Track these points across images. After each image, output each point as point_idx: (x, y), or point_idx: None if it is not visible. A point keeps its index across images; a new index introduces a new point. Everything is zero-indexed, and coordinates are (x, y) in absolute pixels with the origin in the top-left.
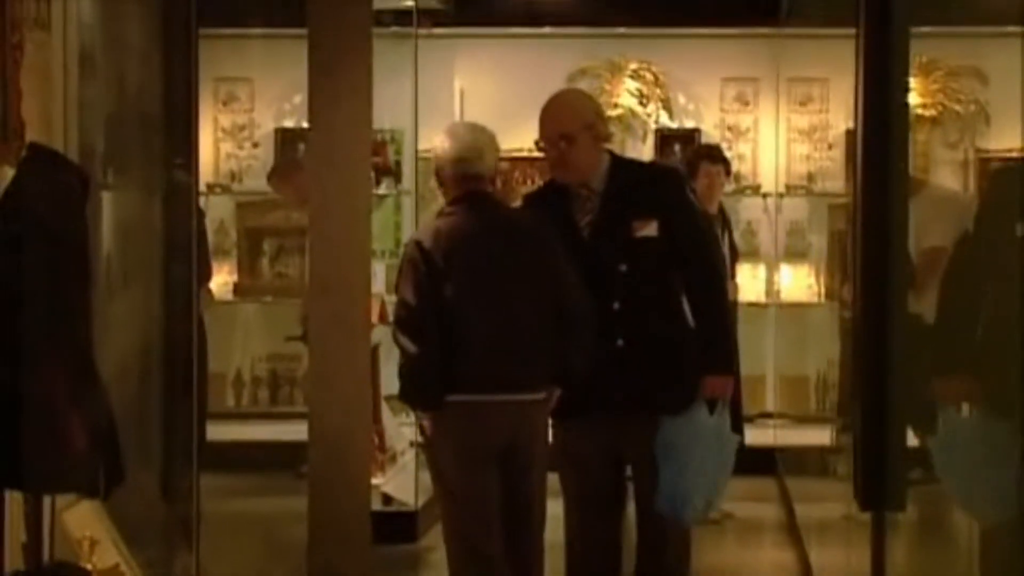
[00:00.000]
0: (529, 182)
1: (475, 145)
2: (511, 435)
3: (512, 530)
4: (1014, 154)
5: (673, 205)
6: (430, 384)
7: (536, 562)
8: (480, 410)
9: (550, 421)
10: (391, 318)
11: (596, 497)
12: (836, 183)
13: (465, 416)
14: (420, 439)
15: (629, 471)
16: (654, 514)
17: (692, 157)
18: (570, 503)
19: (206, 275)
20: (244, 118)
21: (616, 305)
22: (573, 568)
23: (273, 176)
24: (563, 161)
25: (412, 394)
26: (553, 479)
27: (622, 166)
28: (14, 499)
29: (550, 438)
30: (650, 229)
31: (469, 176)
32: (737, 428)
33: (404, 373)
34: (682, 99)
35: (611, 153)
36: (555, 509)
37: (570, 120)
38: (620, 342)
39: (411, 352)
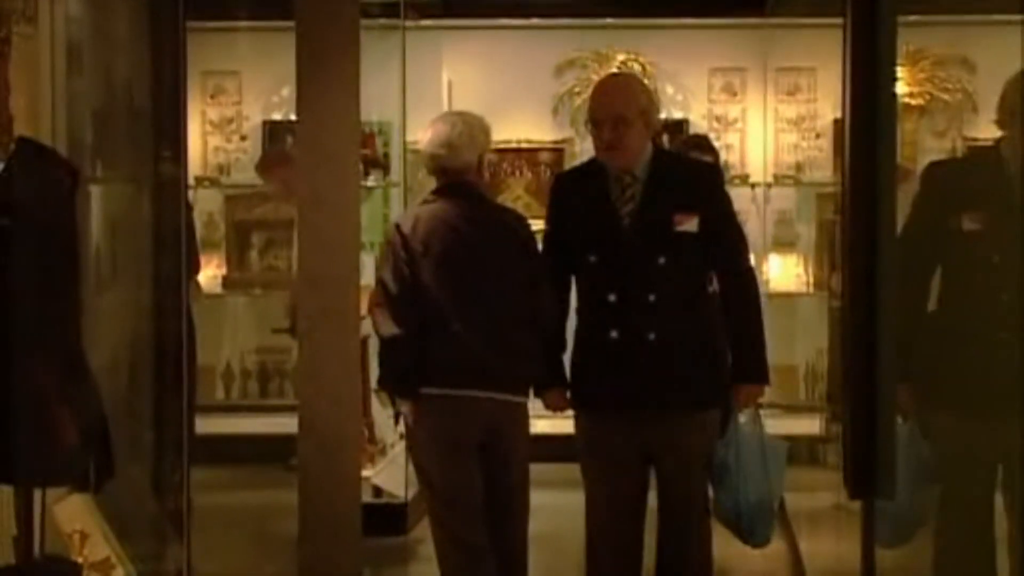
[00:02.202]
0: (517, 173)
1: (449, 137)
2: (490, 428)
3: (495, 521)
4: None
5: (714, 203)
6: (406, 369)
7: (520, 553)
8: (457, 404)
9: (572, 412)
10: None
11: (622, 496)
12: (824, 172)
13: (442, 409)
14: (402, 430)
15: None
16: (677, 511)
17: (680, 147)
18: (593, 499)
19: (195, 268)
20: (232, 111)
21: (652, 298)
22: (593, 564)
23: (261, 166)
24: (616, 144)
25: (388, 378)
26: (548, 469)
27: (664, 157)
28: (4, 493)
29: (576, 430)
30: (691, 224)
31: (447, 169)
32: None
33: (381, 356)
34: (670, 89)
35: (654, 143)
36: (544, 499)
37: (627, 103)
38: (652, 336)
39: (387, 334)
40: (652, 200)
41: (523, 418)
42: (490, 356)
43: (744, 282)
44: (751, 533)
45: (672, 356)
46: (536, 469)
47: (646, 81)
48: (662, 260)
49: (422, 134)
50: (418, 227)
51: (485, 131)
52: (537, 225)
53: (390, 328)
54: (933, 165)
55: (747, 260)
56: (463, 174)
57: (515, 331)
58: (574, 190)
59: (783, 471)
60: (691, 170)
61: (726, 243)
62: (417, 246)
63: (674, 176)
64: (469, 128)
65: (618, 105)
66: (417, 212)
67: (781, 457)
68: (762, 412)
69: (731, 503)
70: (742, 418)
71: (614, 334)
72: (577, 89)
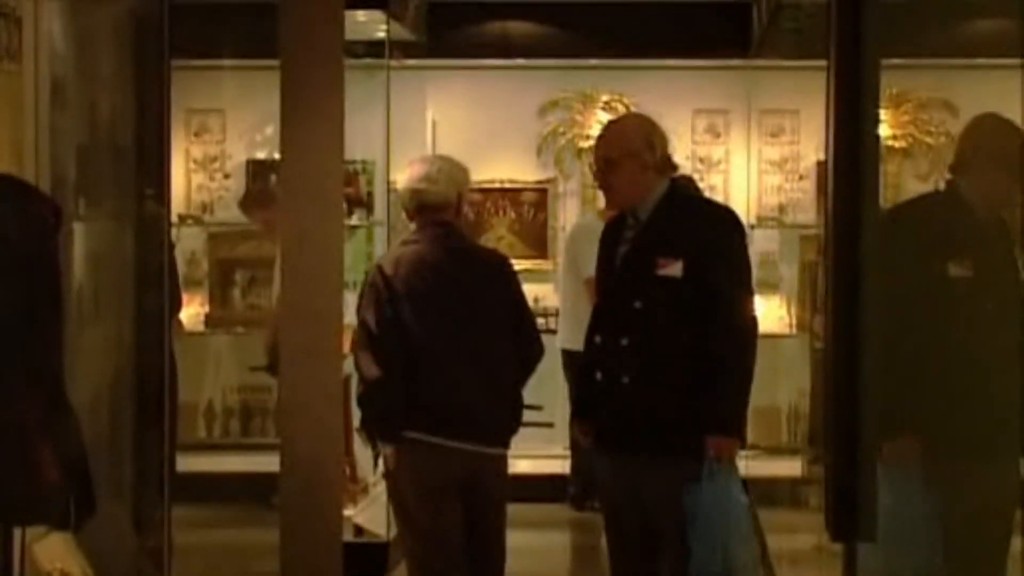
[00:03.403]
0: (501, 213)
1: (428, 173)
2: (471, 475)
3: (473, 565)
4: None
5: (710, 250)
6: (390, 412)
7: None
8: (439, 451)
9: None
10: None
11: (623, 532)
12: (807, 215)
13: (425, 454)
14: (382, 470)
15: None
16: (675, 561)
17: None
18: (607, 536)
19: (177, 306)
20: (216, 149)
21: (624, 341)
22: None
23: (244, 204)
24: (603, 185)
25: (372, 421)
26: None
27: (675, 199)
28: None
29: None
30: (674, 269)
31: (426, 204)
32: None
33: (363, 399)
34: None
35: (673, 184)
36: (524, 540)
37: (611, 146)
38: (626, 379)
39: (370, 376)
40: (641, 243)
41: (503, 465)
42: (474, 404)
43: (727, 333)
44: None
45: (643, 401)
46: (516, 509)
47: None
48: (638, 304)
49: (401, 176)
50: (400, 268)
51: (463, 171)
52: (521, 265)
53: (373, 371)
54: (901, 208)
55: (737, 312)
56: (442, 211)
57: (499, 374)
58: (609, 232)
59: (747, 535)
60: (692, 213)
61: (713, 290)
62: (400, 287)
63: (672, 219)
64: (448, 165)
65: (603, 147)
66: (399, 253)
67: (744, 518)
68: (744, 453)
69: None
70: (708, 471)
71: (598, 375)
72: (561, 129)
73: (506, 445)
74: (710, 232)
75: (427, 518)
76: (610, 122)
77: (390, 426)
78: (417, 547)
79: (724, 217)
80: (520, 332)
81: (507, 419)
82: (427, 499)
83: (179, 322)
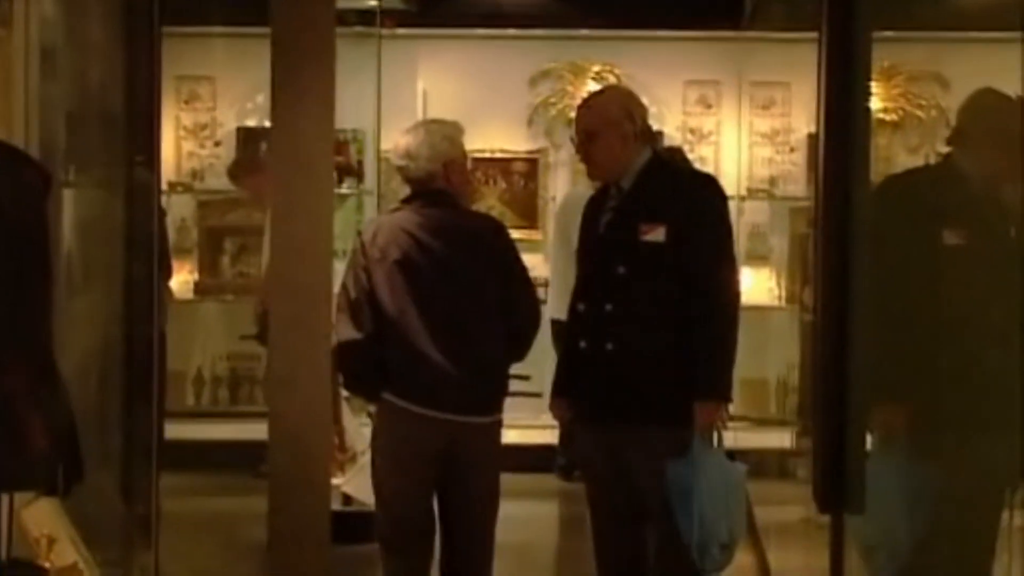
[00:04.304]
0: (491, 183)
1: (408, 148)
2: (449, 444)
3: (453, 535)
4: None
5: (692, 215)
6: (362, 373)
7: (481, 570)
8: (415, 418)
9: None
10: None
11: (608, 505)
12: (798, 187)
13: (398, 419)
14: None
15: None
16: (663, 534)
17: None
18: (590, 510)
19: (166, 274)
20: (206, 116)
21: (608, 307)
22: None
23: (233, 172)
24: (585, 158)
25: (347, 381)
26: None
27: (658, 168)
28: None
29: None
30: (657, 234)
31: (409, 179)
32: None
33: (338, 360)
34: (644, 101)
35: (654, 153)
36: (515, 510)
37: (592, 117)
38: (609, 346)
39: (344, 338)
40: (624, 210)
41: (486, 436)
42: (446, 372)
43: (712, 297)
44: (703, 560)
45: (628, 368)
46: (504, 479)
47: None
48: (621, 270)
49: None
50: (379, 235)
51: (449, 138)
52: (513, 236)
53: (348, 332)
54: (895, 179)
55: (722, 275)
56: (427, 183)
57: (481, 344)
58: (592, 203)
59: (743, 500)
60: (674, 180)
61: (696, 255)
62: (375, 253)
63: (655, 186)
64: (430, 137)
65: (583, 120)
66: (380, 220)
67: (741, 484)
68: (733, 425)
69: (689, 529)
70: (701, 440)
71: (583, 344)
72: (552, 100)
73: (485, 414)
74: (693, 198)
75: (394, 482)
76: (589, 95)
77: (363, 386)
78: (380, 510)
79: (706, 184)
80: (510, 302)
81: (486, 388)
82: (396, 463)
83: (168, 289)
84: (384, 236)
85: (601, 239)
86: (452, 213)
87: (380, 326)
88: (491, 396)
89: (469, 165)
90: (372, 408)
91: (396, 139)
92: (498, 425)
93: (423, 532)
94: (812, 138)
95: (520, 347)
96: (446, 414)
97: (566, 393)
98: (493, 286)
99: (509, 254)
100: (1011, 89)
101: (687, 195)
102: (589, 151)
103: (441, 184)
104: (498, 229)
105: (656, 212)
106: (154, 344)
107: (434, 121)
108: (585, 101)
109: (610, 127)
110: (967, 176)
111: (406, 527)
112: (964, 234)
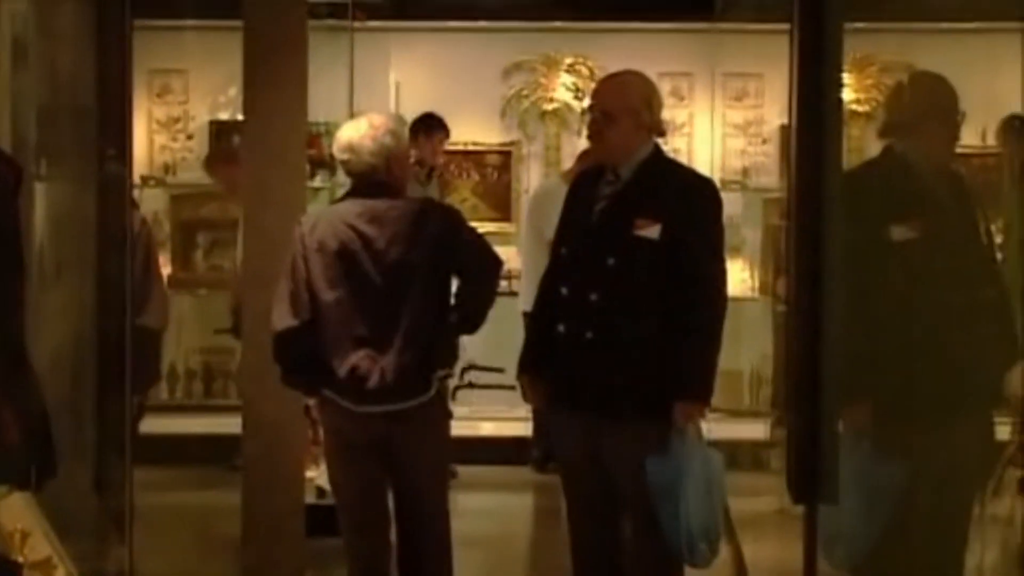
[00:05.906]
0: (464, 175)
1: (350, 141)
2: (387, 431)
3: (405, 525)
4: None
5: (689, 217)
6: (295, 365)
7: (436, 559)
8: (344, 413)
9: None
10: None
11: (583, 494)
12: (771, 178)
13: (332, 412)
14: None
15: None
16: (639, 525)
17: None
18: (566, 499)
19: (157, 275)
20: (178, 110)
21: (593, 296)
22: (576, 569)
23: (208, 162)
24: (598, 137)
25: (284, 375)
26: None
27: (658, 163)
28: None
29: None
30: (651, 231)
31: (351, 172)
32: None
33: (274, 351)
34: None
35: (657, 147)
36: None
37: (614, 98)
38: (589, 334)
39: (279, 327)
40: (621, 201)
41: (422, 416)
42: (383, 363)
43: (699, 298)
44: (692, 556)
45: (607, 359)
46: (478, 471)
47: (593, 85)
48: (611, 261)
49: None
50: (318, 226)
51: (392, 132)
52: (485, 228)
53: (285, 321)
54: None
55: (711, 280)
56: (368, 176)
57: (411, 326)
58: (580, 184)
59: (723, 490)
60: (674, 179)
61: (688, 257)
62: (311, 243)
63: (653, 181)
64: (373, 131)
65: (605, 98)
66: (320, 211)
67: (721, 474)
68: (708, 416)
69: (673, 525)
70: (680, 436)
71: (561, 328)
72: (525, 92)
73: (416, 396)
74: (691, 200)
75: (339, 476)
76: (611, 75)
77: (299, 379)
78: (337, 504)
79: (706, 187)
80: (462, 273)
81: (414, 369)
82: (337, 458)
83: (163, 291)
84: (322, 227)
85: (593, 227)
86: (393, 202)
87: (316, 316)
88: (420, 376)
89: (442, 160)
90: (310, 402)
91: (337, 133)
92: (436, 403)
93: (373, 524)
94: (784, 129)
95: (476, 314)
96: (374, 406)
97: (534, 371)
98: (437, 273)
99: (460, 239)
100: (981, 79)
101: (686, 196)
102: (604, 132)
103: (383, 176)
104: (447, 216)
105: (653, 208)
106: (127, 338)
107: (379, 115)
108: (607, 80)
109: (629, 113)
110: (912, 163)
111: (356, 519)
112: (917, 224)
